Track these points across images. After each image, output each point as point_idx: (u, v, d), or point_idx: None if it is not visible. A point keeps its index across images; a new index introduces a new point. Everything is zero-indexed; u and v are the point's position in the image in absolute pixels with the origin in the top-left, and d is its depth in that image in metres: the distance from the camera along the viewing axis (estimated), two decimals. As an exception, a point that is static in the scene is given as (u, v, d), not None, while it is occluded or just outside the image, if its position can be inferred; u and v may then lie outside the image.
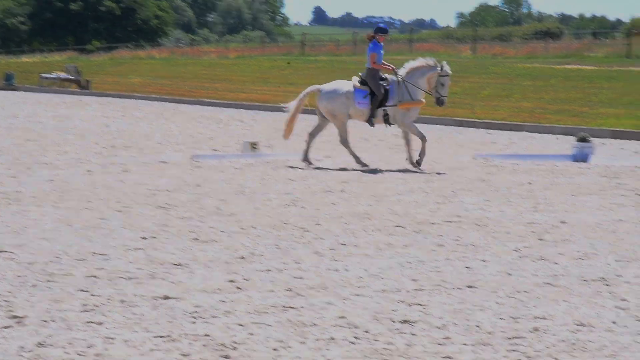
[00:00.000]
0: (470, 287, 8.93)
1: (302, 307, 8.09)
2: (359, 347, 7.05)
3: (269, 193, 14.78)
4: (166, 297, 8.31)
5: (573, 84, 34.04)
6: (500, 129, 27.59)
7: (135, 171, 17.24)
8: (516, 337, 7.37)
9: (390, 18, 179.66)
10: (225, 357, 6.73)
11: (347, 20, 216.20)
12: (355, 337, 7.28)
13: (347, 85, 18.45)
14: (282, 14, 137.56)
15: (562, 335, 7.44)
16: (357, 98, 18.20)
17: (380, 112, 18.21)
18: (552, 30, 68.20)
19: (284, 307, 8.10)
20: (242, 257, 10.05)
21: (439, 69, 17.95)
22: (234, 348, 6.94)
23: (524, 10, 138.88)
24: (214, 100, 41.05)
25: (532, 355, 6.97)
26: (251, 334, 7.31)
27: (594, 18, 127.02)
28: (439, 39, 70.41)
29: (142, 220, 12.14)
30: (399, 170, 17.81)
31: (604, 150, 21.78)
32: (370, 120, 18.30)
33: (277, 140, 24.14)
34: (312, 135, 18.88)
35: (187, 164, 18.49)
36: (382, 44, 18.44)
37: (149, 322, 7.57)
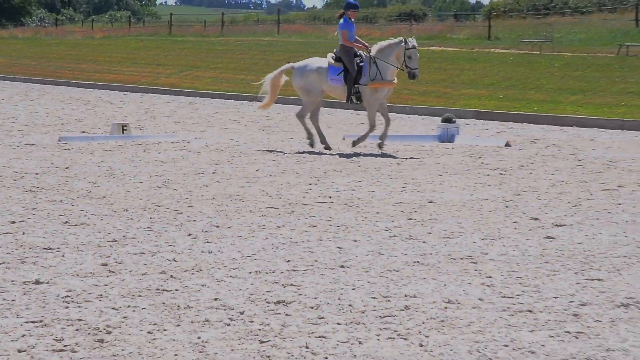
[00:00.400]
0: (342, 267, 9.02)
1: (176, 290, 8.06)
2: (233, 329, 7.06)
3: (140, 175, 14.63)
4: (37, 282, 8.17)
5: (437, 65, 34.54)
6: (368, 110, 27.84)
7: (1, 154, 16.85)
8: (388, 316, 7.47)
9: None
10: (100, 341, 6.66)
11: (214, 1, 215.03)
12: (230, 319, 7.29)
13: (321, 61, 18.36)
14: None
15: (431, 313, 7.57)
16: (330, 75, 18.12)
17: (351, 89, 18.11)
18: (415, 12, 69.01)
19: (157, 290, 8.05)
20: (115, 240, 9.93)
21: (403, 43, 17.86)
22: (108, 332, 6.87)
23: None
24: (81, 82, 40.37)
25: (403, 332, 7.09)
26: (125, 317, 7.24)
27: (455, 1, 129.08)
28: (307, 20, 70.55)
29: (10, 204, 11.89)
30: (271, 151, 17.83)
31: (468, 130, 22.20)
32: (349, 98, 18.16)
33: (147, 122, 23.91)
34: (314, 117, 18.70)
35: (55, 147, 18.16)
36: (353, 20, 18.39)
37: (20, 307, 7.44)
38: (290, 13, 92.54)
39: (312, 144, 18.27)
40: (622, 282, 8.56)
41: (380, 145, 18.11)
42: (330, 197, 12.91)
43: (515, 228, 10.95)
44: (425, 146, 19.13)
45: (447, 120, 20.28)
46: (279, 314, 7.47)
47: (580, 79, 28.98)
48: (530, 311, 7.63)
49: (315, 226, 10.92)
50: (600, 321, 7.38)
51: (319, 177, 14.67)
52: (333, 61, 18.16)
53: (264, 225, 10.94)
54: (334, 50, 18.37)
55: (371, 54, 17.98)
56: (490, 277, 8.73)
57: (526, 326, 7.25)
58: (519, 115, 24.71)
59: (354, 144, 18.19)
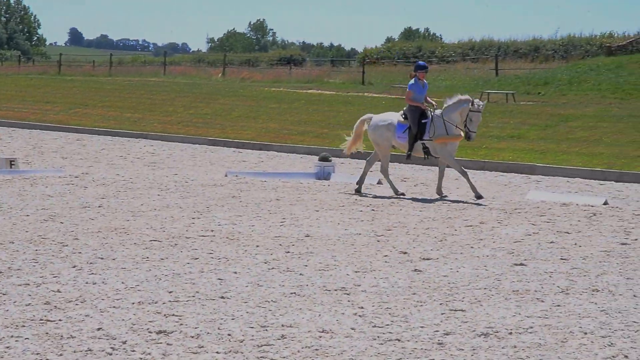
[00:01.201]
0: (222, 297, 8.95)
1: (60, 320, 7.87)
2: (115, 358, 6.92)
3: (27, 209, 14.31)
4: None
5: (315, 107, 34.77)
6: (251, 148, 27.84)
7: None
8: (265, 345, 7.44)
9: (145, 41, 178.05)
10: (-16, 371, 6.46)
11: (103, 42, 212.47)
12: (113, 348, 7.15)
13: (393, 117, 18.18)
14: (38, 34, 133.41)
15: (306, 342, 7.56)
16: (397, 132, 17.90)
17: (419, 145, 17.78)
18: (295, 57, 69.46)
19: (41, 320, 7.86)
20: (0, 272, 9.67)
21: (470, 104, 17.39)
22: (-7, 362, 6.67)
23: (269, 38, 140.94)
24: (-29, 117, 39.31)
25: (280, 360, 7.07)
26: (8, 347, 7.05)
27: (331, 47, 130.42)
28: (192, 63, 70.32)
29: None
30: (156, 187, 17.64)
31: (343, 168, 22.36)
32: (407, 154, 17.97)
33: (35, 157, 23.45)
34: (369, 162, 18.52)
35: (-57, 180, 17.63)
36: (423, 80, 18.16)
37: None
38: (176, 55, 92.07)
39: (399, 193, 17.72)
40: (482, 312, 8.69)
41: (475, 197, 17.08)
42: (212, 230, 12.82)
43: (386, 261, 11.04)
44: (303, 183, 19.19)
45: (324, 159, 20.41)
46: (161, 343, 7.37)
47: (447, 122, 29.50)
48: (398, 340, 7.68)
49: (197, 259, 10.82)
50: (463, 349, 7.47)
51: (202, 212, 14.57)
52: (402, 119, 17.94)
53: (147, 257, 10.79)
54: (404, 108, 18.16)
55: (436, 111, 17.79)
56: (362, 307, 8.77)
57: (394, 354, 7.29)
58: (391, 156, 24.95)
59: (477, 196, 17.08)
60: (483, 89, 36.90)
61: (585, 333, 8.00)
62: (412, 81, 18.14)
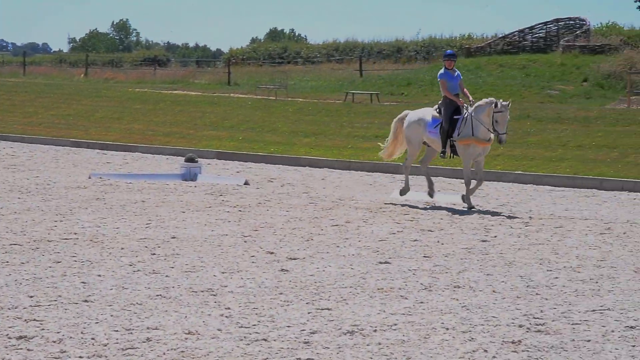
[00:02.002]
0: (86, 301, 8.81)
1: None
2: (-24, 365, 6.75)
3: None
4: None
5: (180, 108, 34.51)
6: (115, 150, 27.44)
7: None
8: (129, 348, 7.36)
9: (3, 40, 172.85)
10: None
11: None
12: (-28, 355, 6.97)
13: (427, 112, 17.14)
14: None
15: (172, 344, 7.51)
16: (428, 127, 16.86)
17: (447, 143, 16.72)
18: (159, 57, 68.83)
19: None
20: None
21: (494, 105, 16.21)
22: None
23: (133, 38, 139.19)
24: None
25: (145, 363, 7.00)
26: None
27: (197, 47, 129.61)
28: (53, 63, 68.93)
29: None
30: (16, 190, 17.22)
31: (210, 169, 22.26)
32: (442, 151, 16.87)
33: None
34: (424, 163, 17.58)
35: None
36: (454, 70, 16.95)
37: None
38: (37, 55, 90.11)
39: (405, 191, 17.27)
40: (348, 310, 8.78)
41: (463, 199, 16.49)
42: (75, 233, 12.60)
43: (253, 262, 11.05)
44: (170, 184, 19.02)
45: (190, 160, 20.27)
46: (21, 349, 7.21)
47: (312, 122, 29.69)
48: (265, 340, 7.70)
49: (59, 262, 10.62)
50: (329, 348, 7.54)
51: (65, 214, 14.30)
52: (436, 113, 16.88)
53: (7, 261, 10.54)
54: (439, 102, 17.05)
55: (469, 110, 16.55)
56: (229, 308, 8.76)
57: (261, 354, 7.31)
58: (257, 156, 25.01)
59: (468, 206, 16.26)
60: (348, 89, 37.29)
61: (447, 329, 8.17)
62: (441, 70, 17.14)
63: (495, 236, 13.21)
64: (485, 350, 7.53)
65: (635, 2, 41.54)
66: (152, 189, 18.20)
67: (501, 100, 16.30)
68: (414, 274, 10.53)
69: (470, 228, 13.92)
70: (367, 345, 7.63)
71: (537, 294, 9.62)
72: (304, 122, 29.94)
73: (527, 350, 7.55)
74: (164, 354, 7.24)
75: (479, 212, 15.63)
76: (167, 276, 10.08)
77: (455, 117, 16.59)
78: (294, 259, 11.28)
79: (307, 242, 12.48)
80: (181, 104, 35.81)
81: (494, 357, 7.38)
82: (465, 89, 16.94)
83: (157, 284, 9.70)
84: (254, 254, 11.52)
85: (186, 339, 7.68)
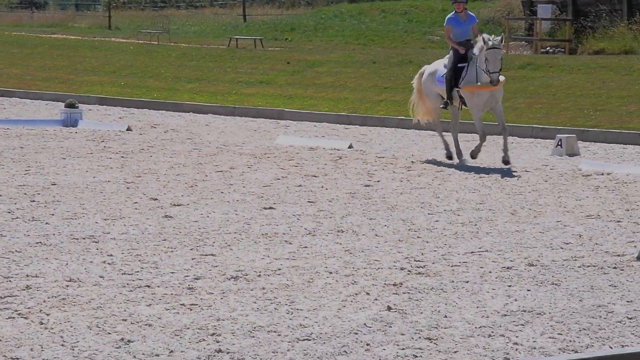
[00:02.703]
0: (-37, 250, 8.61)
1: None
2: None
3: None
4: None
5: (59, 52, 33.72)
6: (-9, 95, 26.69)
7: None
8: (8, 296, 7.25)
9: None
10: None
11: None
12: None
13: (440, 63, 15.57)
14: None
15: (53, 292, 7.42)
16: (437, 77, 15.29)
17: (456, 93, 15.09)
18: (36, 0, 67.01)
19: None
20: None
21: (483, 42, 14.55)
22: None
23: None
24: None
25: (24, 312, 6.91)
26: None
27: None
28: None
29: None
30: None
31: (91, 115, 21.87)
32: (444, 102, 15.22)
33: None
34: (454, 128, 15.67)
35: None
36: (466, 13, 15.21)
37: None
38: None
39: (449, 154, 15.34)
40: (232, 256, 8.80)
41: (505, 161, 14.65)
42: (-49, 181, 12.27)
43: (136, 208, 10.94)
44: (49, 130, 18.62)
45: (71, 105, 19.87)
46: None
47: (196, 68, 29.38)
48: (148, 286, 7.67)
49: None
50: (213, 293, 7.55)
51: (-60, 162, 13.89)
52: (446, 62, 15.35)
53: None
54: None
55: (474, 54, 14.86)
56: (111, 255, 8.68)
57: (144, 300, 7.28)
58: (140, 102, 24.67)
59: (472, 155, 15.04)
60: (231, 34, 36.99)
61: (331, 272, 8.26)
62: (449, 15, 15.38)
63: (378, 181, 13.35)
64: (368, 293, 7.64)
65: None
66: (31, 135, 17.79)
67: (492, 36, 14.71)
68: (298, 219, 10.58)
69: (354, 173, 14.03)
70: (251, 290, 7.66)
71: (418, 237, 9.78)
72: (187, 67, 29.60)
73: (408, 292, 7.69)
74: (44, 301, 7.15)
75: (361, 157, 15.71)
76: (47, 223, 9.92)
77: (460, 65, 14.98)
78: (178, 205, 11.21)
79: (191, 189, 12.40)
80: (60, 48, 35.00)
81: (375, 299, 7.49)
82: (476, 34, 15.18)
83: (37, 231, 9.53)
84: (137, 201, 11.40)
85: (67, 286, 7.59)
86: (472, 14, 15.37)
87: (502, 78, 14.79)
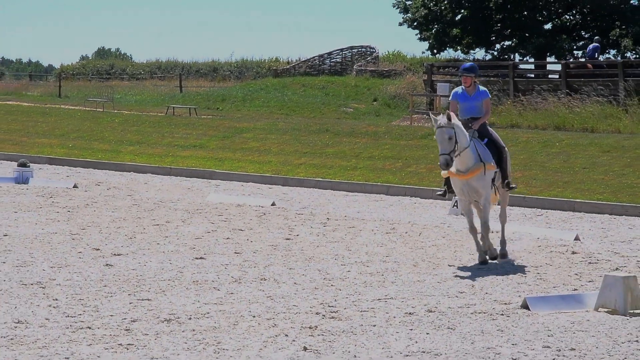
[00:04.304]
0: None
1: None
2: None
3: None
4: None
5: (13, 117, 33.23)
6: (-51, 154, 26.09)
7: None
8: (-38, 337, 7.04)
9: None
10: None
11: None
12: None
13: None
14: None
15: (1, 332, 7.24)
16: None
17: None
18: (-2, 71, 66.07)
19: None
20: None
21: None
22: None
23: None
24: None
25: (-23, 351, 6.71)
26: None
27: (30, 63, 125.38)
28: None
29: None
30: None
31: (41, 174, 21.52)
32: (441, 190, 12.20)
33: None
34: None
35: None
36: (475, 86, 11.77)
37: None
38: None
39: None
40: (166, 300, 8.69)
41: (492, 257, 11.48)
42: None
43: (80, 257, 10.77)
44: (3, 187, 18.26)
45: (23, 164, 19.56)
46: None
47: (137, 132, 29.17)
48: (89, 328, 7.53)
49: None
50: (148, 334, 7.44)
51: None
52: None
53: None
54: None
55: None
56: (57, 299, 8.51)
57: (85, 340, 7.14)
58: (86, 162, 24.37)
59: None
60: (169, 103, 36.86)
61: (254, 316, 8.21)
62: (456, 89, 12.03)
63: (298, 235, 13.35)
64: (287, 335, 7.61)
65: (416, 35, 42.84)
66: (-14, 190, 17.43)
67: (441, 115, 11.36)
68: (225, 268, 10.52)
69: (276, 227, 14.01)
70: (183, 331, 7.57)
71: (332, 285, 9.78)
72: (129, 132, 29.37)
73: (322, 335, 7.67)
74: (-5, 342, 6.96)
75: (282, 214, 15.72)
76: (-1, 271, 9.69)
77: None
78: (118, 254, 11.06)
79: (130, 240, 12.26)
80: (14, 113, 34.49)
81: (293, 340, 7.46)
82: (487, 110, 11.77)
83: (-11, 278, 9.30)
84: (81, 250, 11.23)
85: (15, 327, 7.42)
86: (484, 89, 11.89)
87: (479, 168, 11.22)
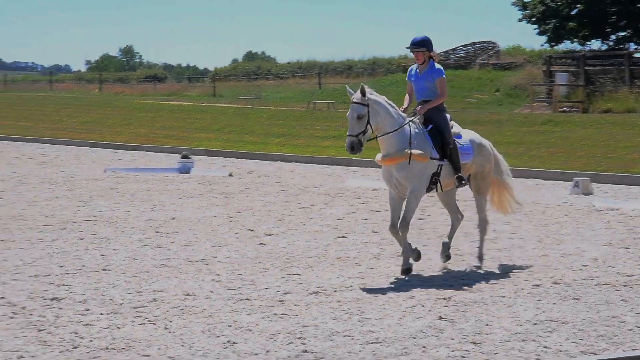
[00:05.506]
0: (104, 269, 8.75)
1: (-33, 293, 7.52)
2: (16, 321, 6.69)
3: None
4: None
5: (176, 115, 34.25)
6: (125, 149, 27.15)
7: None
8: (140, 307, 7.33)
9: (33, 63, 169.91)
10: None
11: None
12: (14, 313, 6.90)
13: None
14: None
15: (174, 303, 7.49)
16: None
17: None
18: (159, 75, 68.19)
19: (-49, 294, 7.48)
20: None
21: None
22: None
23: (137, 60, 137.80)
24: None
25: (152, 319, 6.97)
26: None
27: (188, 67, 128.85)
28: (74, 81, 68.02)
29: None
30: (47, 182, 17.01)
31: (201, 164, 22.10)
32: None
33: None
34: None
35: None
36: (429, 63, 9.40)
37: None
38: (60, 74, 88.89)
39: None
40: (314, 275, 8.79)
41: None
42: (95, 216, 12.48)
43: (237, 237, 11.01)
44: (169, 176, 18.87)
45: (185, 157, 20.13)
46: (54, 307, 7.16)
47: (282, 126, 29.60)
48: (248, 299, 7.69)
49: (83, 239, 10.52)
50: (299, 305, 7.54)
51: (86, 201, 14.15)
52: None
53: (41, 239, 10.43)
54: None
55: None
56: (219, 274, 8.73)
57: (245, 310, 7.30)
58: (239, 153, 24.86)
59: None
60: (310, 99, 37.21)
61: (393, 288, 8.20)
62: (412, 67, 9.72)
63: (429, 215, 13.23)
64: (423, 305, 7.57)
65: (535, 29, 41.72)
66: (155, 180, 18.06)
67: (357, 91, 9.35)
68: (365, 245, 10.54)
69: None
70: (330, 302, 7.64)
71: (462, 260, 9.63)
72: (275, 125, 29.84)
73: (456, 305, 7.61)
74: (168, 311, 7.22)
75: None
76: (168, 249, 10.03)
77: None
78: (270, 234, 11.25)
79: (280, 221, 12.45)
80: (176, 112, 35.57)
81: (429, 310, 7.41)
82: (442, 92, 9.45)
83: (161, 255, 9.64)
84: (238, 231, 11.47)
85: (185, 299, 7.65)
86: (439, 67, 9.38)
87: (401, 156, 8.88)
